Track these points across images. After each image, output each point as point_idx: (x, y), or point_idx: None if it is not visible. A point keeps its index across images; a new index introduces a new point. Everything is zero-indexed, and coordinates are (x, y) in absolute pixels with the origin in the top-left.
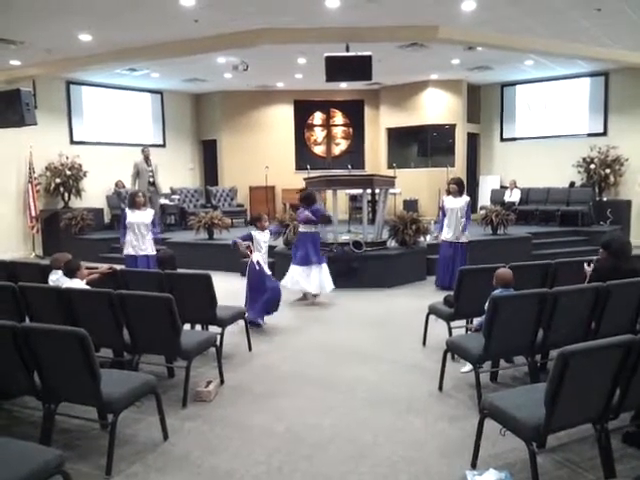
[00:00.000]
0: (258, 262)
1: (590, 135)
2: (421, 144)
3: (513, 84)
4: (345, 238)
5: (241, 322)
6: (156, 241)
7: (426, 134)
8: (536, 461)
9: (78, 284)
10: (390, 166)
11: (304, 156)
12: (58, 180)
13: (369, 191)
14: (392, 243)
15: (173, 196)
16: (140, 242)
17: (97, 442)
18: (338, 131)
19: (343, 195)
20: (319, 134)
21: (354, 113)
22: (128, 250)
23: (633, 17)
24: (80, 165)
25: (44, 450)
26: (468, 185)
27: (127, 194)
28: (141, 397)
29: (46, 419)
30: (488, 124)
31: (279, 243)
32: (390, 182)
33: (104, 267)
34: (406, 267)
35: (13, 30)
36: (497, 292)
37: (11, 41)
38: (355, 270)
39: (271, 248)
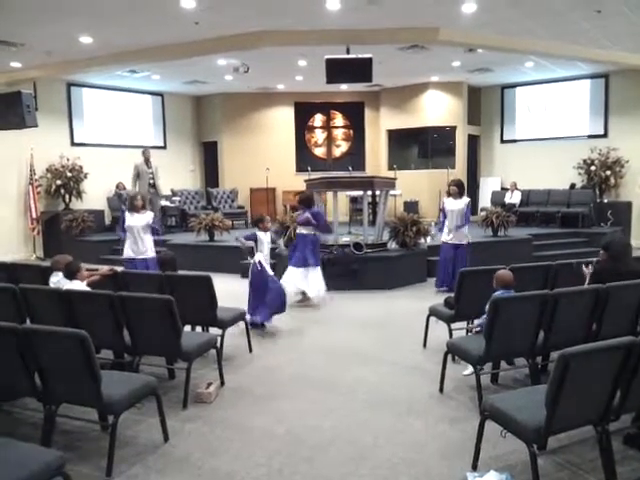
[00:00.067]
0: (260, 262)
1: (590, 137)
2: (421, 146)
3: (513, 86)
4: (345, 240)
5: (242, 324)
6: (156, 243)
7: (426, 136)
8: (537, 463)
9: (78, 286)
10: (390, 168)
11: (305, 158)
12: (59, 182)
13: (369, 193)
14: (392, 245)
15: (174, 198)
16: (139, 245)
17: (97, 443)
18: (339, 133)
19: (344, 197)
20: (320, 136)
21: (354, 115)
22: (127, 253)
23: (633, 19)
24: (81, 167)
25: (45, 451)
26: (469, 187)
27: (127, 196)
28: (142, 399)
29: (47, 420)
30: (488, 126)
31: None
32: (390, 184)
33: (105, 269)
34: (406, 269)
35: (14, 32)
36: (498, 293)
37: (12, 43)
38: (355, 272)
39: (272, 249)
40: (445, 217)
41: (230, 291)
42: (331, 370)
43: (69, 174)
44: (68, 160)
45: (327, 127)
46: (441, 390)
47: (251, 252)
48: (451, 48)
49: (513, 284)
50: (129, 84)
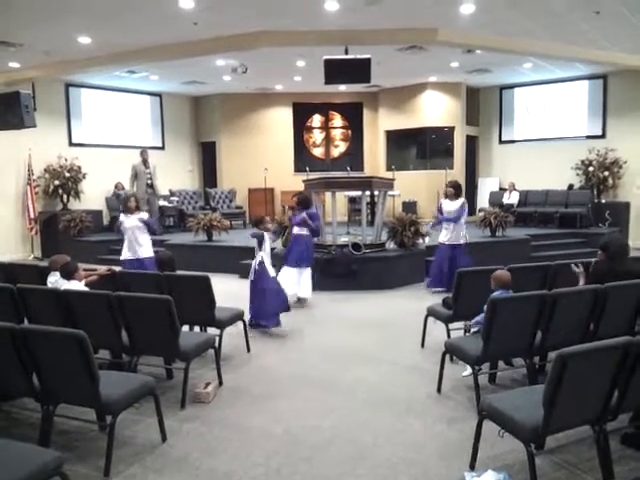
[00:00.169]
0: (262, 262)
1: (589, 137)
2: (420, 146)
3: (512, 87)
4: (344, 240)
5: (240, 324)
6: (154, 242)
7: (425, 136)
8: (534, 462)
9: (76, 286)
10: (389, 168)
11: (303, 158)
12: (57, 182)
13: (368, 193)
14: (391, 245)
15: (172, 198)
16: (136, 246)
17: (95, 443)
18: (337, 133)
19: (342, 197)
20: (318, 136)
21: (353, 115)
22: (125, 255)
23: (632, 20)
24: (79, 167)
25: (43, 452)
26: (467, 187)
27: (125, 196)
28: (140, 398)
29: (45, 420)
30: (487, 127)
31: (278, 245)
32: (389, 184)
33: (103, 269)
34: (405, 269)
35: (12, 32)
36: (496, 294)
37: (10, 43)
38: (354, 272)
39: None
40: (444, 219)
41: (228, 291)
42: (330, 370)
43: (67, 174)
44: (66, 160)
45: (325, 127)
46: (439, 390)
47: (261, 244)
48: (449, 49)
49: (511, 284)
50: (127, 84)
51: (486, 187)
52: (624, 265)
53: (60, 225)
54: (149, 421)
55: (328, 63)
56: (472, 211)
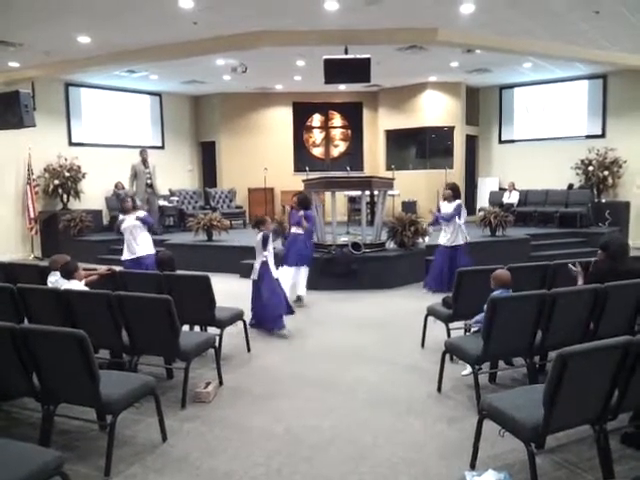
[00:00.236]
0: (266, 263)
1: (588, 137)
2: (420, 146)
3: (512, 86)
4: (344, 240)
5: (240, 323)
6: (154, 238)
7: (425, 136)
8: (535, 462)
9: (76, 285)
10: (389, 168)
11: (303, 158)
12: (57, 182)
13: (368, 193)
14: (391, 244)
15: (172, 198)
16: (134, 245)
17: (96, 443)
18: (337, 133)
19: (342, 197)
20: (318, 136)
21: (353, 115)
22: (125, 255)
23: (631, 20)
24: (79, 167)
25: (43, 451)
26: (467, 187)
27: (122, 197)
28: (140, 398)
29: (45, 420)
30: (487, 126)
31: (277, 244)
32: (389, 184)
33: (103, 268)
34: (405, 268)
35: (12, 32)
36: (496, 293)
37: (10, 43)
38: (354, 272)
39: None
40: (440, 218)
41: (228, 291)
42: (330, 369)
43: (67, 174)
44: (66, 160)
45: (325, 127)
46: (439, 390)
47: (265, 245)
48: (449, 48)
49: (511, 284)
50: (127, 84)
51: (486, 187)
52: (625, 264)
53: (60, 225)
54: (149, 421)
55: (328, 63)
56: (472, 211)
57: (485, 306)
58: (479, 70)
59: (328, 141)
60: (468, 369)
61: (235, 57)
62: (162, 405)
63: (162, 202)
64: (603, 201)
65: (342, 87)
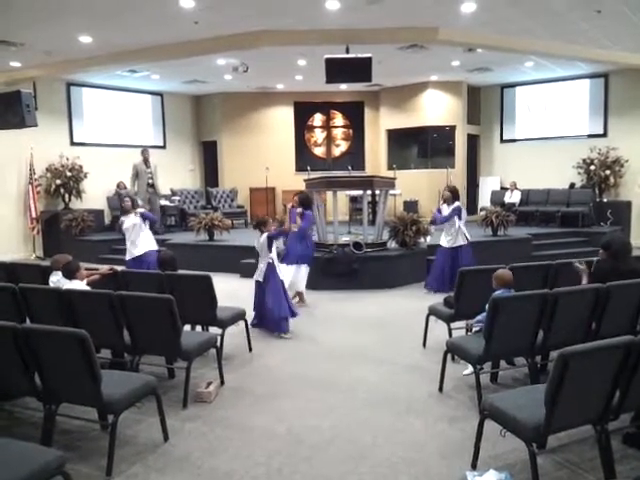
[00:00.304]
0: (272, 264)
1: (590, 136)
2: (421, 145)
3: (513, 85)
4: (345, 239)
5: (241, 323)
6: (155, 231)
7: (426, 135)
8: (536, 462)
9: (78, 285)
10: (390, 167)
11: (304, 157)
12: (58, 181)
13: (369, 192)
14: (392, 244)
15: (173, 197)
16: (136, 244)
17: (97, 443)
18: (338, 132)
19: (343, 196)
20: (319, 135)
21: (354, 114)
22: (128, 255)
23: (633, 19)
24: (80, 166)
25: (45, 451)
26: (468, 186)
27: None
28: (141, 398)
29: (47, 420)
30: (488, 125)
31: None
32: (390, 183)
33: (104, 268)
34: (406, 268)
35: (13, 32)
36: (498, 293)
37: (11, 43)
38: (355, 271)
39: None
40: (439, 219)
41: (230, 290)
42: (330, 369)
43: (69, 174)
44: (68, 160)
45: (327, 127)
46: (441, 389)
47: (271, 246)
48: (450, 48)
49: (513, 283)
50: (128, 84)
51: (487, 186)
52: (628, 264)
53: (62, 224)
54: (151, 420)
55: (329, 62)
56: (474, 210)
57: (487, 306)
58: (480, 69)
59: (329, 141)
60: (469, 369)
61: (236, 57)
62: (163, 405)
63: (164, 202)
64: (605, 200)
65: (343, 86)
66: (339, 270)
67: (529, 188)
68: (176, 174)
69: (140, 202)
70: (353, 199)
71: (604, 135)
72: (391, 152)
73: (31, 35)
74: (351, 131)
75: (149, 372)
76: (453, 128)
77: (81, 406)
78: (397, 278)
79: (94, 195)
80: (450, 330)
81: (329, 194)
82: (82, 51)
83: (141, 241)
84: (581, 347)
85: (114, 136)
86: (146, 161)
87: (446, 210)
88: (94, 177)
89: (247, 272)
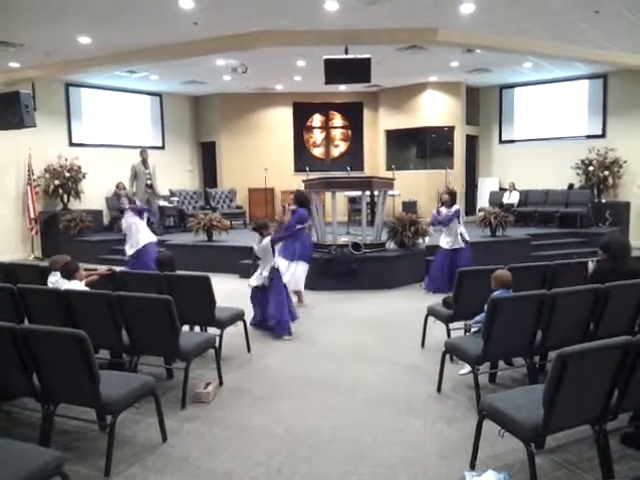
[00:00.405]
0: (277, 269)
1: (589, 137)
2: (420, 146)
3: (512, 86)
4: (344, 240)
5: (240, 324)
6: (154, 232)
7: (425, 136)
8: (535, 462)
9: (77, 285)
10: (389, 168)
11: (303, 158)
12: (57, 182)
13: (368, 193)
14: (391, 245)
15: (172, 198)
16: (133, 240)
17: (96, 443)
18: (337, 133)
19: (342, 197)
20: (318, 136)
21: (353, 115)
22: (127, 252)
23: (631, 19)
24: (79, 167)
25: (43, 451)
26: (467, 187)
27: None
28: (140, 398)
29: (45, 420)
30: (487, 126)
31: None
32: (389, 184)
33: (103, 268)
34: (405, 269)
35: (12, 32)
36: (497, 293)
37: (10, 43)
38: (354, 272)
39: None
40: (439, 219)
41: (228, 291)
42: (330, 369)
43: (67, 174)
44: (66, 160)
45: (325, 127)
46: (439, 390)
47: (274, 250)
48: (449, 48)
49: (511, 284)
50: (127, 84)
51: (486, 187)
52: (627, 264)
53: (60, 225)
54: (149, 421)
55: (328, 63)
56: (472, 211)
57: (485, 306)
58: (479, 70)
59: (328, 141)
60: (466, 368)
61: (235, 57)
62: (162, 405)
63: (162, 202)
64: (603, 201)
65: (342, 87)
66: (338, 270)
67: (528, 189)
68: (175, 175)
69: (138, 203)
70: (352, 200)
71: (603, 136)
72: (390, 153)
73: (30, 36)
74: (350, 132)
75: (148, 372)
76: (452, 129)
77: (79, 406)
78: (396, 279)
79: (93, 196)
80: (449, 330)
81: (328, 195)
82: (81, 52)
83: (139, 236)
84: (579, 347)
85: (113, 137)
86: (145, 162)
87: (445, 213)
88: (93, 178)
89: (246, 273)
